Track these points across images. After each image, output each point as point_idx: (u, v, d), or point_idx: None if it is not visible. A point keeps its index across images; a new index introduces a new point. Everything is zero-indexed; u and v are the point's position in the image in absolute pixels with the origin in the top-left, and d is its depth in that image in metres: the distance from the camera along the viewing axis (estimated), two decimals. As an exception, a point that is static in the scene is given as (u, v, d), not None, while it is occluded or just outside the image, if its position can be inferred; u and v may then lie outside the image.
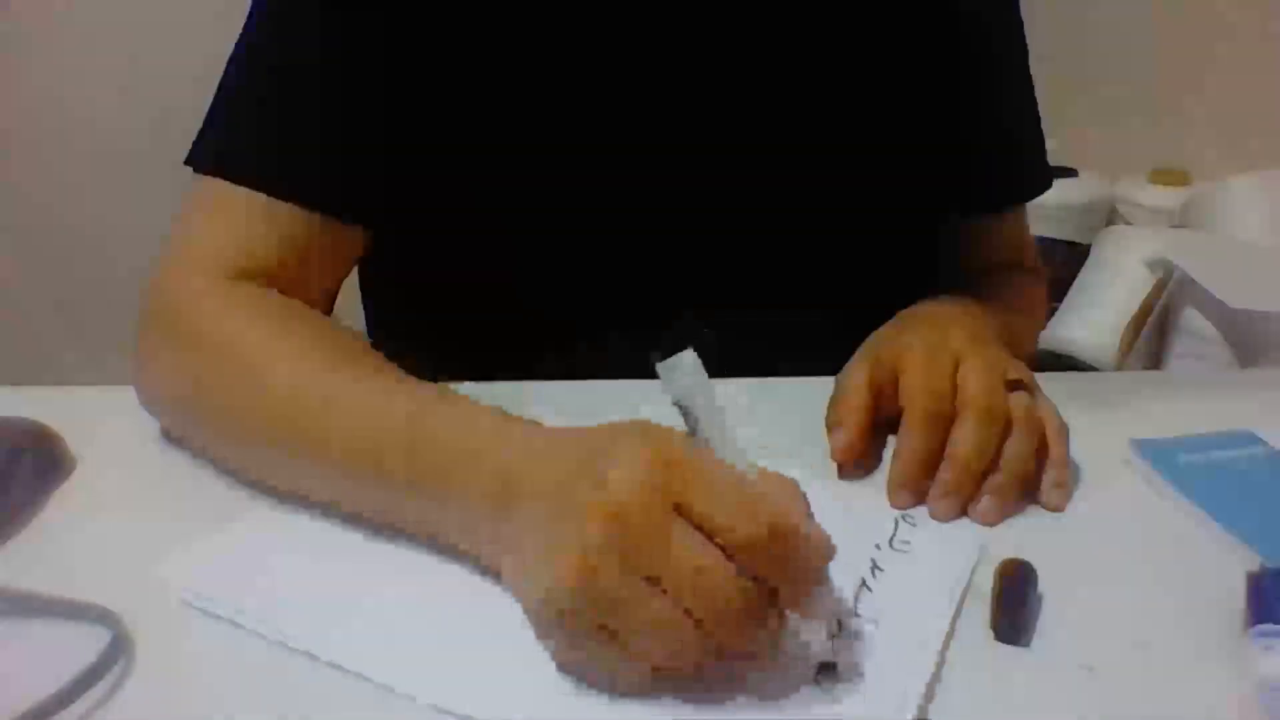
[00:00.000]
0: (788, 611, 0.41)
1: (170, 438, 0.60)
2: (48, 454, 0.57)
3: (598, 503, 0.39)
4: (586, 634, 0.40)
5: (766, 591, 0.40)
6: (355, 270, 0.83)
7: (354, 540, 0.51)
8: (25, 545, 0.52)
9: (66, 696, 0.40)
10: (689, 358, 0.41)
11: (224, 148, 0.63)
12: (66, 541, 0.52)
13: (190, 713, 0.42)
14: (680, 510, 0.39)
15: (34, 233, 1.81)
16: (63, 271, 1.81)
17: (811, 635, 0.43)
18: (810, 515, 0.42)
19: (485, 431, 0.48)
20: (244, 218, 0.61)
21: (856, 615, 0.46)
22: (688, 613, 0.39)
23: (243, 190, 0.61)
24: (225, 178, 0.61)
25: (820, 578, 0.41)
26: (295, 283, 0.61)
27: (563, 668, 0.42)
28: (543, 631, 0.42)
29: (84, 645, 0.42)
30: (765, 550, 0.39)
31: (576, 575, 0.39)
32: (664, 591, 0.39)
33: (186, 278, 0.60)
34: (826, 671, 0.42)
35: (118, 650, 0.43)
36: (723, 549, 0.39)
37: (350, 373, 0.54)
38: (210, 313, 0.58)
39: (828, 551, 0.41)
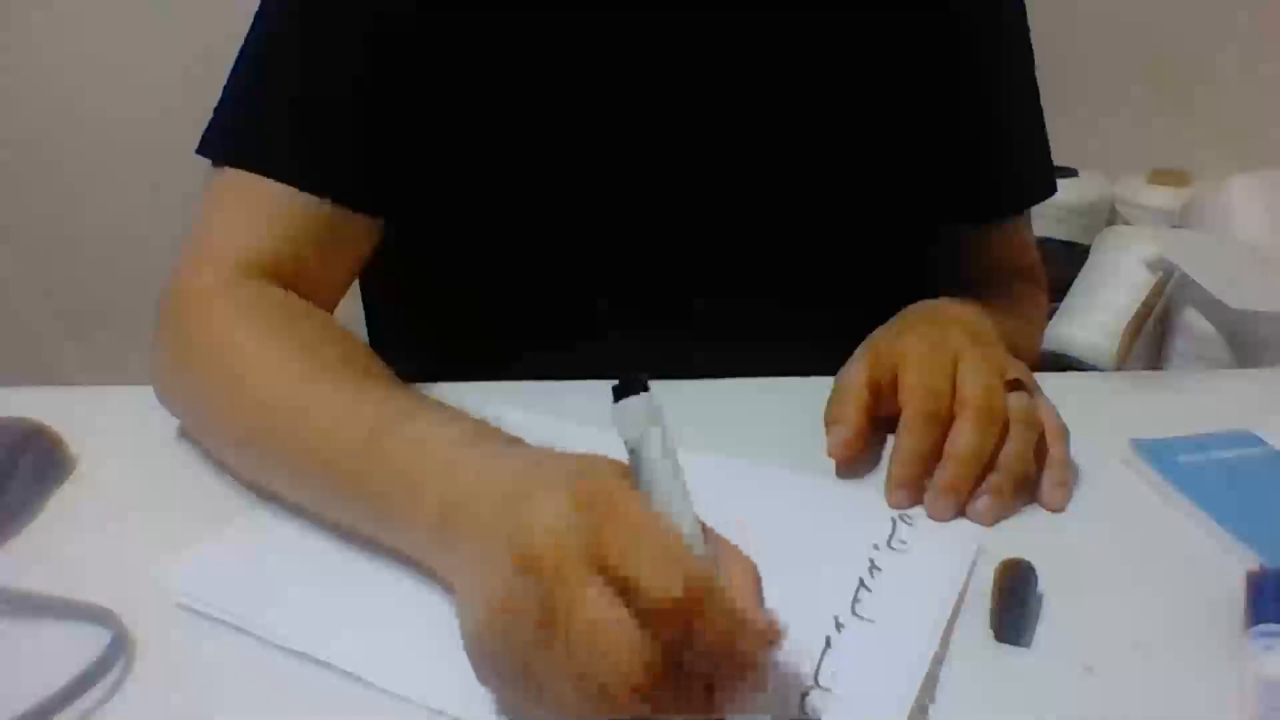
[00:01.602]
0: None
1: (183, 435, 0.60)
2: (48, 454, 0.57)
3: (515, 549, 0.37)
4: (508, 677, 0.39)
5: (673, 664, 0.35)
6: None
7: (352, 542, 0.51)
8: (25, 545, 0.52)
9: (66, 696, 0.40)
10: (638, 401, 0.39)
11: (240, 138, 0.62)
12: (66, 541, 0.52)
13: (190, 713, 0.42)
14: (598, 563, 0.36)
15: (34, 233, 1.80)
16: (63, 271, 1.81)
17: None
18: (758, 595, 0.38)
19: (435, 460, 0.46)
20: (260, 209, 0.61)
21: (854, 615, 0.46)
22: (586, 674, 0.35)
23: (259, 180, 0.60)
24: (242, 167, 0.61)
25: (755, 666, 0.36)
26: (308, 275, 0.61)
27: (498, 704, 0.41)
28: (472, 667, 0.40)
29: (84, 645, 0.43)
30: (681, 616, 0.34)
31: (492, 620, 0.38)
32: (568, 649, 0.35)
33: (199, 274, 0.60)
34: None
35: (118, 650, 0.43)
36: (640, 610, 0.35)
37: (328, 383, 0.53)
38: (211, 315, 0.58)
39: (771, 638, 0.36)
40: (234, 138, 0.62)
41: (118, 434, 0.61)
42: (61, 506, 0.55)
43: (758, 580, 0.39)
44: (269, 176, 0.60)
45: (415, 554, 0.47)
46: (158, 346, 0.60)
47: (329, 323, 0.61)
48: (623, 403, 0.39)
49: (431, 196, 0.66)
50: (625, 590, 0.35)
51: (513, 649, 0.37)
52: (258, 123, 0.63)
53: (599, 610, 0.35)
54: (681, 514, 0.39)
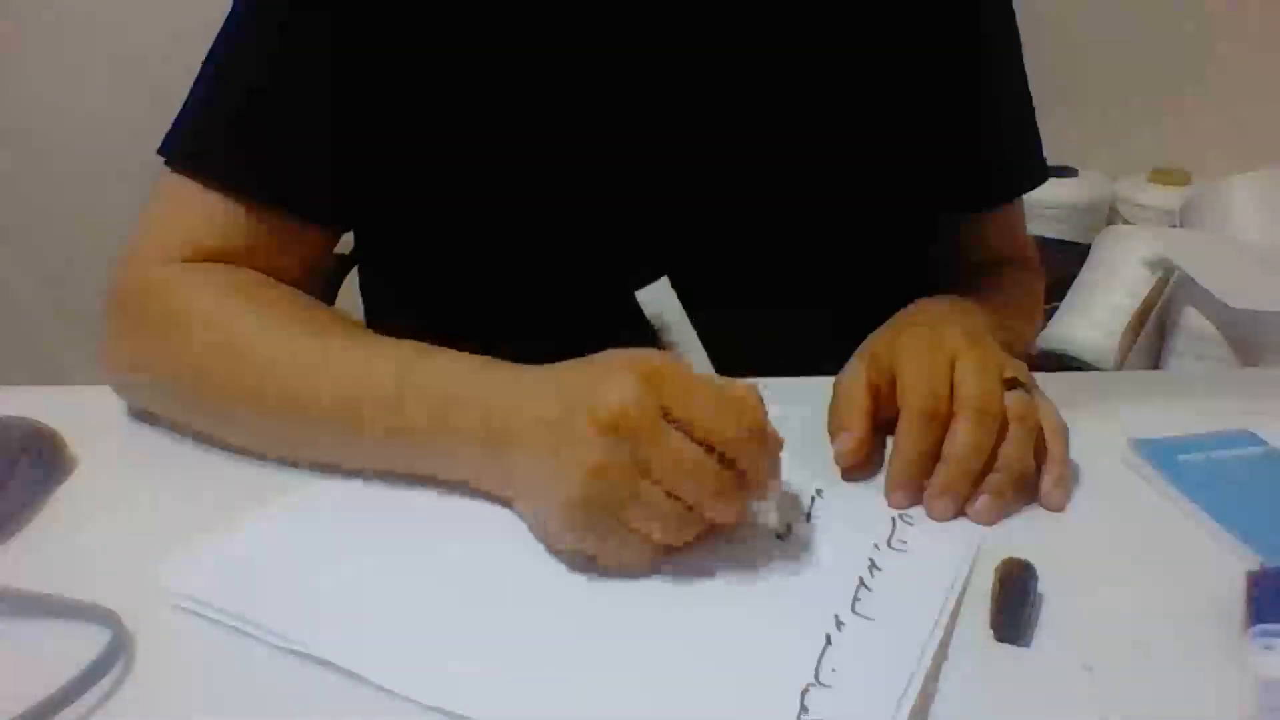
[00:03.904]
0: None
1: (182, 436, 0.60)
2: (48, 454, 0.57)
3: (600, 416, 0.46)
4: (600, 526, 0.47)
5: (739, 476, 0.48)
6: (355, 270, 0.83)
7: (352, 542, 0.51)
8: (25, 545, 0.52)
9: (66, 696, 0.40)
10: (663, 283, 0.51)
11: (191, 143, 0.64)
12: (66, 541, 0.52)
13: (190, 713, 0.42)
14: (667, 416, 0.46)
15: (34, 233, 1.80)
16: (63, 271, 1.81)
17: (766, 515, 0.52)
18: (768, 417, 0.49)
19: (467, 384, 0.53)
20: (209, 209, 0.63)
21: (855, 614, 0.46)
22: (679, 499, 0.47)
23: (208, 183, 0.62)
24: (189, 172, 0.63)
25: (777, 468, 0.50)
26: (256, 268, 0.63)
27: (573, 560, 0.49)
28: (559, 532, 0.48)
29: (84, 645, 0.42)
30: (743, 445, 0.47)
31: (591, 477, 0.46)
32: (659, 483, 0.46)
33: (156, 262, 0.62)
34: (780, 539, 0.51)
35: (118, 650, 0.43)
36: (704, 445, 0.46)
37: (333, 337, 0.57)
38: (186, 292, 0.60)
39: (779, 444, 0.50)
40: (186, 143, 0.64)
41: (118, 434, 0.61)
42: (61, 506, 0.55)
43: (762, 403, 0.49)
44: (214, 182, 0.62)
45: (463, 467, 0.53)
46: (117, 334, 0.62)
47: (298, 292, 0.63)
48: (647, 288, 0.51)
49: (404, 201, 0.67)
50: (691, 434, 0.46)
51: (609, 500, 0.46)
52: (207, 131, 0.64)
53: (680, 445, 0.46)
54: (703, 366, 0.52)
